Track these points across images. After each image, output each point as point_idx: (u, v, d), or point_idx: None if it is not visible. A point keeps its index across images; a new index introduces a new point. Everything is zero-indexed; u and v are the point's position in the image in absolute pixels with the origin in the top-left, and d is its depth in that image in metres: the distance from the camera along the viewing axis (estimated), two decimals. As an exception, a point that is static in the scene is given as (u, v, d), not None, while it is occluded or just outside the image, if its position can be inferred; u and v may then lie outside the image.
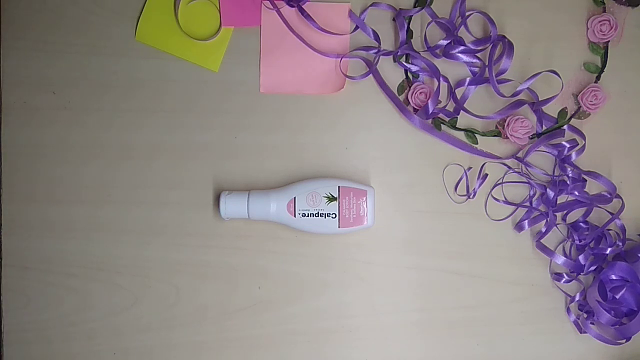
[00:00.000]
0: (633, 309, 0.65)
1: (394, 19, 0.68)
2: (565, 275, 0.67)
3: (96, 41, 0.68)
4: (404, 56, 0.67)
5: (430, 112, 0.65)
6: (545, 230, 0.66)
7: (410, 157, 0.68)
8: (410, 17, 0.67)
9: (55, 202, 0.67)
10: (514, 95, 0.66)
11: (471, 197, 0.68)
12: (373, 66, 0.67)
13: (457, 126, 0.68)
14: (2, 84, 0.67)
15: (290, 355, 0.67)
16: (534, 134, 0.67)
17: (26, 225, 0.67)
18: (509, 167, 0.68)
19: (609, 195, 0.67)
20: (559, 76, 0.65)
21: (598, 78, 0.68)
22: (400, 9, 0.67)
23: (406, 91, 0.67)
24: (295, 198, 0.64)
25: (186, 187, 0.68)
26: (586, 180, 0.67)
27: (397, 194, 0.68)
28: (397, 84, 0.68)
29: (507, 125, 0.66)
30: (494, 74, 0.65)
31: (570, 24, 0.68)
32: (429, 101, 0.65)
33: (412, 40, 0.67)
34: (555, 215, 0.67)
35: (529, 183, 0.67)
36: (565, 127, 0.67)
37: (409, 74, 0.68)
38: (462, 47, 0.66)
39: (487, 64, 0.66)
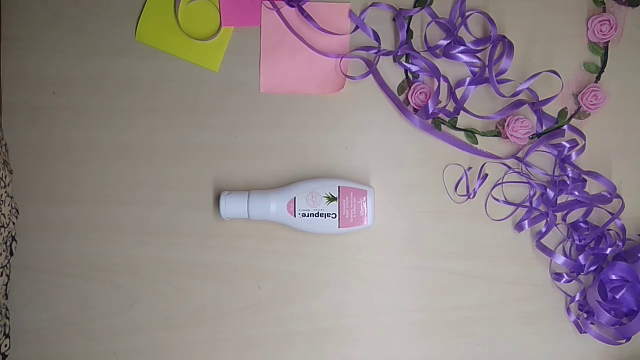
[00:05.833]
0: (633, 309, 0.65)
1: (394, 19, 0.68)
2: (565, 275, 0.67)
3: (96, 41, 0.68)
4: (404, 56, 0.67)
5: (430, 112, 0.65)
6: (545, 230, 0.66)
7: (410, 157, 0.68)
8: (410, 17, 0.67)
9: (55, 202, 0.67)
10: (514, 95, 0.66)
11: (471, 197, 0.68)
12: (373, 66, 0.67)
13: (457, 126, 0.68)
14: (2, 84, 0.67)
15: (290, 355, 0.67)
16: (534, 134, 0.67)
17: (25, 225, 0.67)
18: (509, 167, 0.68)
19: (609, 195, 0.67)
20: (559, 76, 0.65)
21: (598, 78, 0.68)
22: (400, 9, 0.67)
23: (406, 91, 0.67)
24: (295, 198, 0.64)
25: (186, 187, 0.68)
26: (586, 180, 0.67)
27: (397, 194, 0.68)
28: (397, 84, 0.68)
29: (507, 125, 0.66)
30: (494, 74, 0.65)
31: (570, 24, 0.68)
32: (429, 101, 0.65)
33: (412, 40, 0.67)
34: (555, 215, 0.67)
35: (529, 183, 0.67)
36: (565, 127, 0.67)
37: (409, 74, 0.68)
38: (462, 47, 0.66)
39: (487, 64, 0.66)
